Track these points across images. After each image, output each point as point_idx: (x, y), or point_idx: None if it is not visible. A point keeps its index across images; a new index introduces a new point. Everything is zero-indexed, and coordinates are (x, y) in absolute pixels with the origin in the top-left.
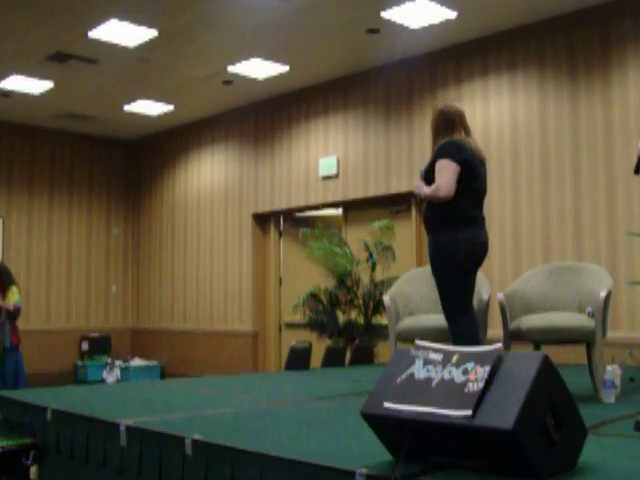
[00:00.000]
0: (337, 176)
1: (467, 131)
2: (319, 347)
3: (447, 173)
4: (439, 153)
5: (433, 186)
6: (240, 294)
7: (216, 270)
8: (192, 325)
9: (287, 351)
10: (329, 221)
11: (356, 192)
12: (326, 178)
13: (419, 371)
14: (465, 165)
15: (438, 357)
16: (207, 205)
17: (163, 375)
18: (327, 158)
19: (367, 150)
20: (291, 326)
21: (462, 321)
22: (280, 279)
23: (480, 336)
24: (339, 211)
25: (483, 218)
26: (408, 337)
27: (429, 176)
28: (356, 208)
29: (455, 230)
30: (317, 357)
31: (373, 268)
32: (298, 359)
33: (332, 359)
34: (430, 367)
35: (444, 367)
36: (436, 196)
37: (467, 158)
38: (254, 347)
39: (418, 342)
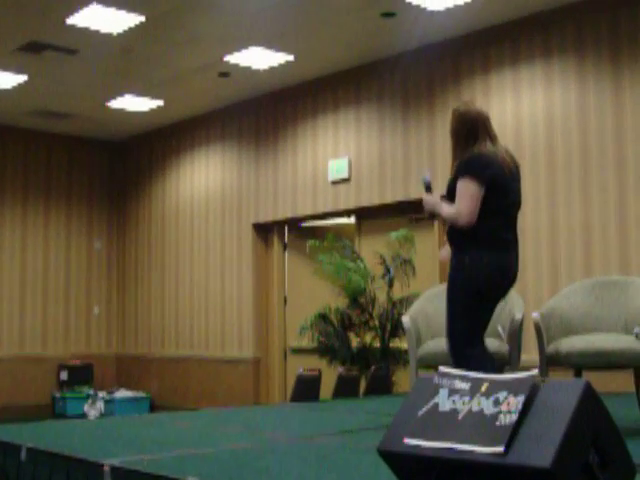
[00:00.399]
0: (349, 180)
1: (493, 138)
2: (330, 375)
3: (469, 198)
4: (460, 170)
5: (452, 209)
6: (239, 315)
7: (212, 288)
8: (185, 351)
9: (293, 380)
10: (340, 231)
11: (371, 198)
12: (336, 182)
13: (444, 402)
14: (492, 183)
15: (465, 386)
16: (202, 214)
17: (153, 408)
18: (337, 160)
19: (383, 150)
20: (298, 351)
21: (470, 354)
22: (285, 298)
23: (494, 370)
24: (351, 220)
25: (516, 241)
26: (431, 363)
27: (451, 193)
28: (371, 216)
29: (480, 251)
30: (327, 387)
31: (390, 285)
32: (306, 389)
33: (344, 389)
34: (456, 397)
35: (472, 397)
36: (456, 223)
37: (494, 175)
38: (256, 376)
39: (442, 369)
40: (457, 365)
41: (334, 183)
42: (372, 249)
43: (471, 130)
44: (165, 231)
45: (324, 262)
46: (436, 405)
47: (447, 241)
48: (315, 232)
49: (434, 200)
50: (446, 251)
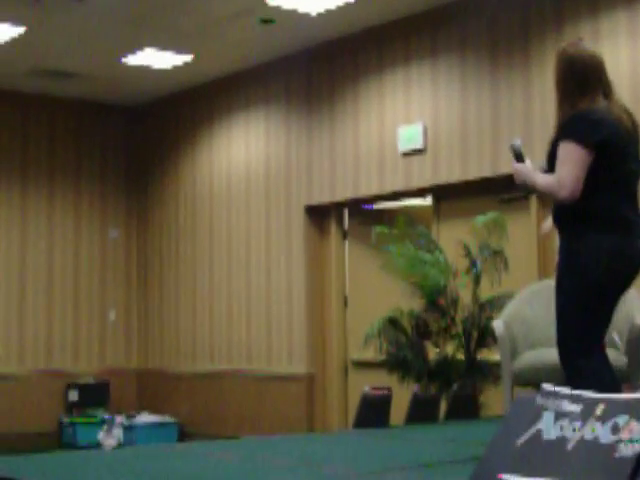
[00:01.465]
0: (424, 151)
1: (608, 90)
2: (402, 395)
3: (573, 164)
4: (564, 131)
5: (551, 179)
6: (289, 321)
7: (255, 287)
8: (222, 366)
9: (357, 401)
10: (414, 215)
11: (451, 174)
12: (408, 154)
13: (549, 428)
14: (604, 148)
15: (576, 408)
16: (241, 195)
17: (182, 436)
18: (410, 126)
19: (466, 114)
20: (362, 365)
21: (584, 366)
22: (345, 299)
23: (617, 388)
24: (427, 201)
25: (638, 220)
26: (530, 380)
27: (552, 161)
28: (451, 196)
29: (598, 234)
30: (400, 409)
31: (477, 282)
32: (373, 412)
33: (421, 412)
34: (564, 423)
35: (585, 422)
36: (556, 196)
37: (606, 138)
38: (309, 396)
39: (546, 387)
40: (569, 380)
41: (405, 155)
42: (453, 237)
43: (582, 80)
44: (196, 217)
45: (394, 254)
46: (539, 432)
47: (554, 224)
48: (382, 217)
49: (527, 169)
50: (549, 223)
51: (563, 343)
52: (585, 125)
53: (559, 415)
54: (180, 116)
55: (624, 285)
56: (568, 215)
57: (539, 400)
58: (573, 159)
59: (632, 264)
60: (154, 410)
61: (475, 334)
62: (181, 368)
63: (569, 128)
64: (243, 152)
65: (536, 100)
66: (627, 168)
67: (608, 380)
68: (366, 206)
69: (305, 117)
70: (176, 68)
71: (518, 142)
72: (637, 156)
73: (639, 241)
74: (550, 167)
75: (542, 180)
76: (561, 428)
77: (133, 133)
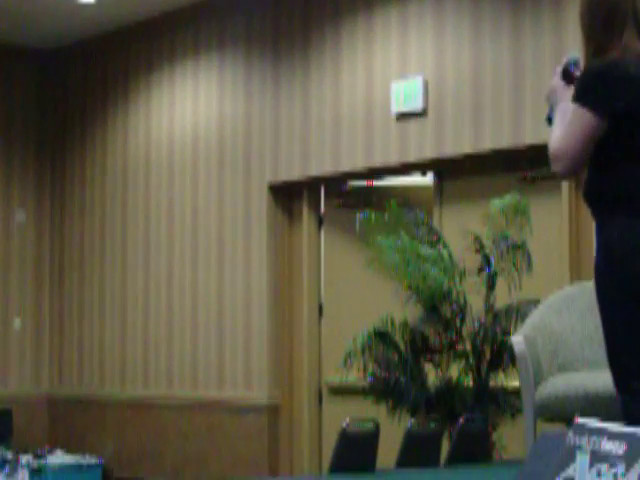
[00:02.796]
0: (424, 114)
1: None
2: (392, 431)
3: (579, 133)
4: (576, 89)
5: (556, 129)
6: (247, 334)
7: (203, 290)
8: (160, 391)
9: (334, 438)
10: (410, 198)
11: (459, 144)
12: (404, 117)
13: (583, 474)
14: (628, 118)
15: (618, 449)
16: (187, 168)
17: None
18: (406, 81)
19: (480, 65)
20: (340, 392)
21: (638, 389)
22: (320, 305)
23: None
24: (428, 179)
25: None
26: (558, 413)
27: None
28: (458, 174)
29: (630, 219)
30: (389, 448)
31: (491, 285)
32: (354, 453)
33: (417, 452)
34: (602, 467)
35: (630, 467)
36: (552, 166)
37: (631, 105)
38: (273, 431)
39: (581, 421)
40: (624, 406)
41: (400, 119)
42: (461, 226)
43: (609, 19)
44: (128, 196)
45: (384, 247)
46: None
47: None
48: (370, 199)
49: (558, 86)
50: None
51: (616, 363)
52: (602, 85)
53: (596, 457)
54: (109, 64)
55: None
56: (597, 191)
57: (570, 438)
58: (581, 127)
59: None
60: (70, 448)
61: (488, 352)
62: (106, 394)
63: (582, 86)
64: (190, 111)
65: (570, 47)
66: None
67: None
68: (348, 185)
69: (271, 66)
70: (104, 1)
71: (572, 58)
72: None
73: None
74: None
75: (559, 133)
76: (599, 474)
77: (47, 85)
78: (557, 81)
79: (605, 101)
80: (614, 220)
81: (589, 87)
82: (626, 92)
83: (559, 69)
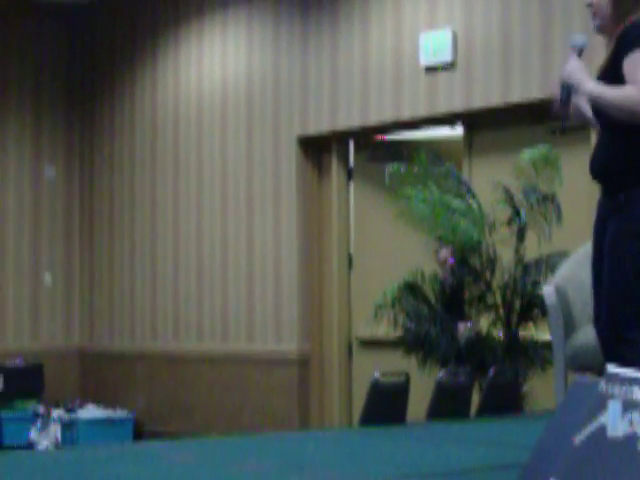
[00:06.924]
0: (453, 66)
1: None
2: (423, 383)
3: None
4: (629, 41)
5: (628, 88)
6: (277, 287)
7: (233, 243)
8: (190, 344)
9: (364, 391)
10: (440, 150)
11: (488, 95)
12: (433, 70)
13: (615, 423)
14: None
15: None
16: (216, 122)
17: (139, 435)
18: (435, 33)
19: (509, 17)
20: (371, 344)
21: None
22: (349, 257)
23: None
24: (457, 131)
25: None
26: (589, 364)
27: (606, 80)
28: (488, 125)
29: None
30: (419, 400)
31: (521, 237)
32: (385, 405)
33: (447, 404)
34: (636, 415)
35: None
36: (635, 108)
37: None
38: (303, 383)
39: (612, 369)
40: (620, 355)
41: (429, 71)
42: (491, 178)
43: None
44: (157, 150)
45: (413, 199)
46: (603, 428)
47: (594, 175)
48: (399, 151)
49: (577, 67)
50: None
51: (615, 313)
52: None
53: (629, 405)
54: (137, 19)
55: None
56: (628, 160)
57: (602, 386)
58: None
59: None
60: (101, 402)
61: (518, 304)
62: (138, 348)
63: (635, 36)
64: (218, 66)
65: None
66: None
67: None
68: (378, 137)
69: (299, 20)
70: None
71: (579, 40)
72: None
73: None
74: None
75: (606, 91)
76: (631, 422)
77: (75, 42)
78: (575, 62)
79: None
80: (635, 183)
81: None
82: None
83: (574, 53)
